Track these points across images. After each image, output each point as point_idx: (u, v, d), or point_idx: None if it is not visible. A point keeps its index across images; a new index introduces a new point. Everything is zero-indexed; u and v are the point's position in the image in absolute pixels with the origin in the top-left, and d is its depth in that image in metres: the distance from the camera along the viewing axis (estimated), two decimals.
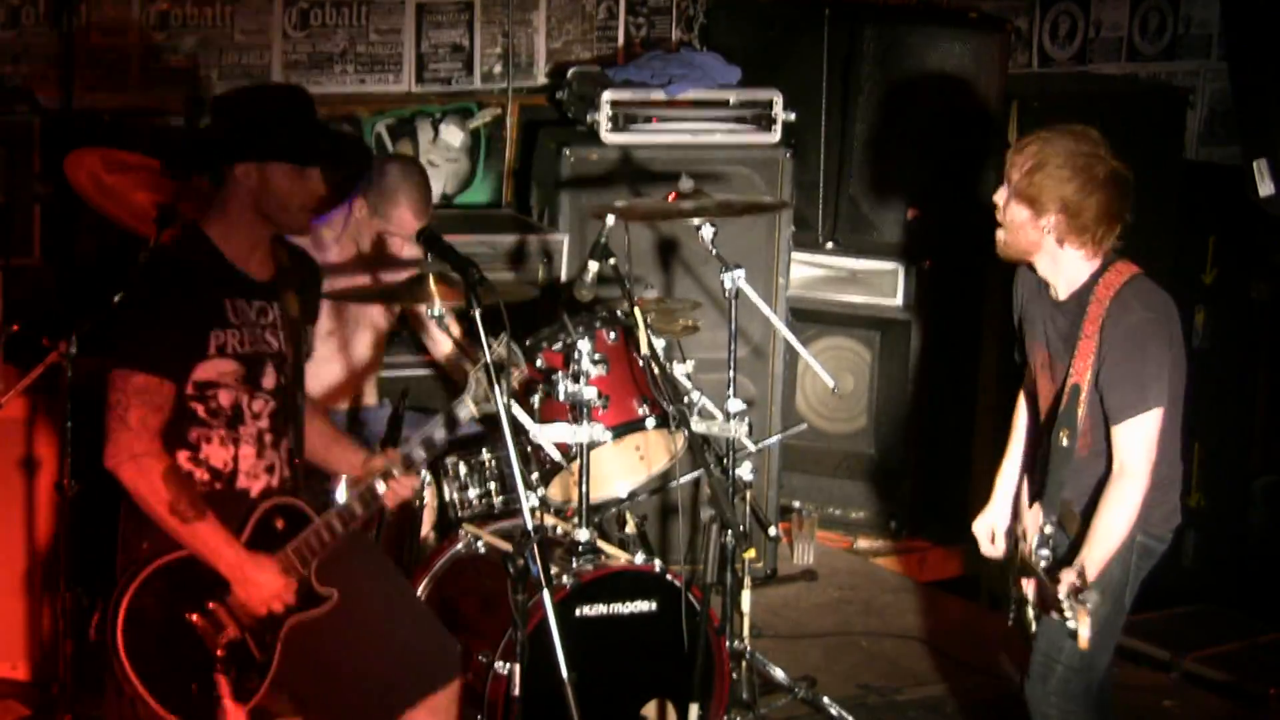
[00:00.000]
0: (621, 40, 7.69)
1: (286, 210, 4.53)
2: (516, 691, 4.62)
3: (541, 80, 7.54)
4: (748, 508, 5.99)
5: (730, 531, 5.41)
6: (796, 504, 7.55)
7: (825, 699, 5.97)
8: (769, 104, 6.95)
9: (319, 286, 4.79)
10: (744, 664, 5.85)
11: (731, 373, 5.66)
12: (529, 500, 4.91)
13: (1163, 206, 5.93)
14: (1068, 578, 4.57)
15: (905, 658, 6.37)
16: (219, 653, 4.47)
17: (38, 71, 6.63)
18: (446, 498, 5.78)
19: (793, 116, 6.98)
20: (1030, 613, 4.92)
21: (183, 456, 4.51)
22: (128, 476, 4.41)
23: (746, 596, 5.92)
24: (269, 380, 4.59)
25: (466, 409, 4.68)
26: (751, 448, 5.76)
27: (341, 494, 4.69)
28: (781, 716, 5.98)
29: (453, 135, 7.37)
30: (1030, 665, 5.01)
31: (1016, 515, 5.03)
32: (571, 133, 7.02)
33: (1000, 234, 4.89)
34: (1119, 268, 4.82)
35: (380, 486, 4.64)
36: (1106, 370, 4.76)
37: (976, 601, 7.22)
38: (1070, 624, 4.50)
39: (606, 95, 6.85)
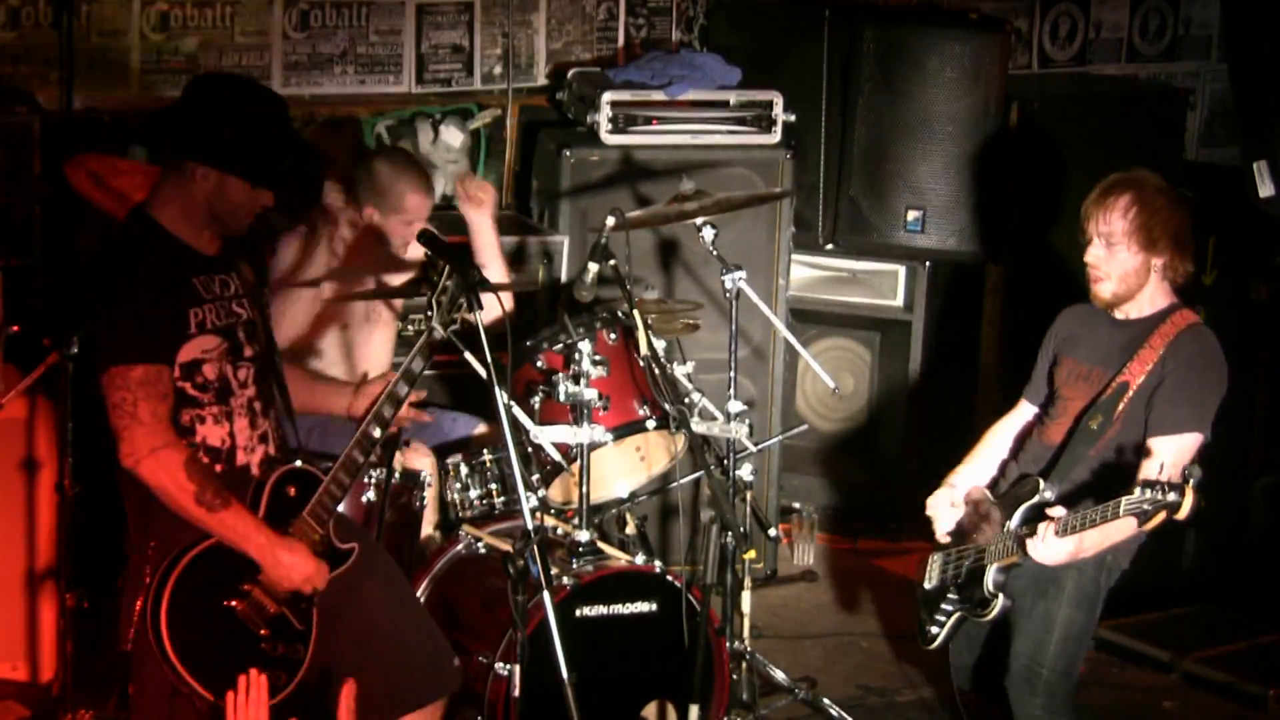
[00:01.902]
0: (621, 41, 7.69)
1: (234, 217, 4.58)
2: (516, 692, 4.62)
3: (542, 81, 7.55)
4: (748, 508, 5.99)
5: (730, 532, 5.41)
6: (796, 505, 7.55)
7: (825, 700, 5.97)
8: (769, 105, 6.95)
9: (262, 248, 4.83)
10: (744, 665, 5.85)
11: (732, 373, 5.66)
12: (529, 501, 4.91)
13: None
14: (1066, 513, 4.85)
15: (905, 659, 6.37)
16: (263, 631, 4.49)
17: (38, 73, 6.63)
18: (447, 498, 5.78)
19: (793, 117, 6.98)
20: (989, 588, 5.12)
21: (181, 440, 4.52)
22: (149, 472, 4.40)
23: (747, 597, 5.92)
24: (248, 349, 4.63)
25: (436, 333, 4.69)
26: (752, 448, 5.76)
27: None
28: (781, 717, 5.98)
29: (453, 136, 7.37)
30: (1011, 664, 5.17)
31: (969, 515, 5.28)
32: (571, 134, 7.01)
33: (1104, 285, 5.11)
34: (1184, 310, 5.14)
35: (375, 431, 4.65)
36: (1168, 384, 5.04)
37: None
38: (1171, 496, 4.58)
39: (607, 96, 6.85)
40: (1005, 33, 7.53)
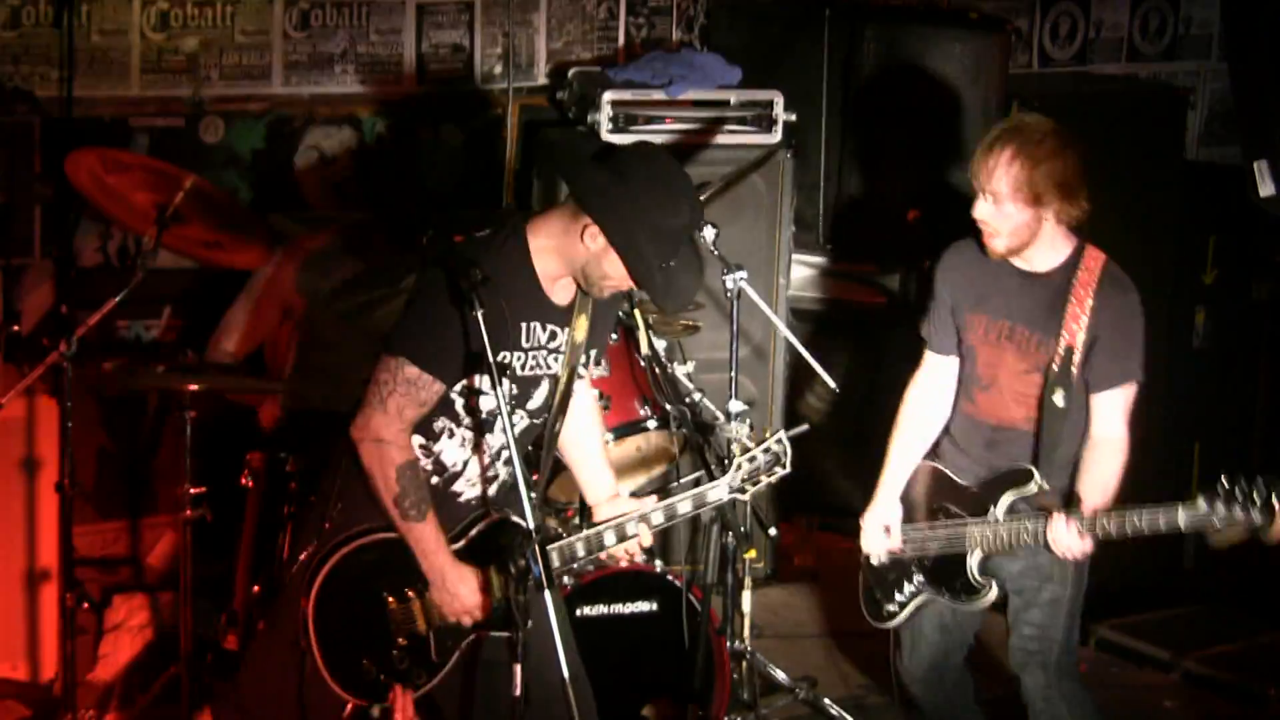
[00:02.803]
0: (622, 41, 7.69)
1: (600, 284, 4.49)
2: (517, 691, 4.61)
3: (542, 80, 7.55)
4: (748, 508, 6.00)
5: (731, 532, 5.41)
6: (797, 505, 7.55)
7: (826, 699, 5.97)
8: (769, 104, 6.95)
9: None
10: (744, 664, 5.86)
11: (733, 373, 5.66)
12: (533, 500, 4.90)
13: (1163, 207, 5.92)
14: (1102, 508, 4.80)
15: None
16: (400, 640, 4.50)
17: (38, 72, 6.63)
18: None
19: (793, 117, 6.98)
20: (974, 574, 5.05)
21: (417, 440, 4.51)
22: (366, 454, 4.42)
23: (747, 597, 5.92)
24: (535, 402, 4.59)
25: (719, 493, 4.69)
26: (753, 449, 5.75)
27: None
28: (782, 717, 5.99)
29: (453, 136, 7.37)
30: (1019, 651, 5.15)
31: (921, 496, 5.21)
32: (572, 133, 7.01)
33: (998, 240, 4.96)
34: (1092, 249, 5.00)
35: (610, 538, 4.66)
36: (1104, 338, 4.93)
37: None
38: (1258, 519, 4.54)
39: (607, 96, 6.85)
40: (1006, 32, 7.53)
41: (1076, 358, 4.96)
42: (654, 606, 5.44)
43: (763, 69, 7.24)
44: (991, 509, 5.04)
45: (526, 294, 4.49)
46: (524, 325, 4.50)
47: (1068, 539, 4.86)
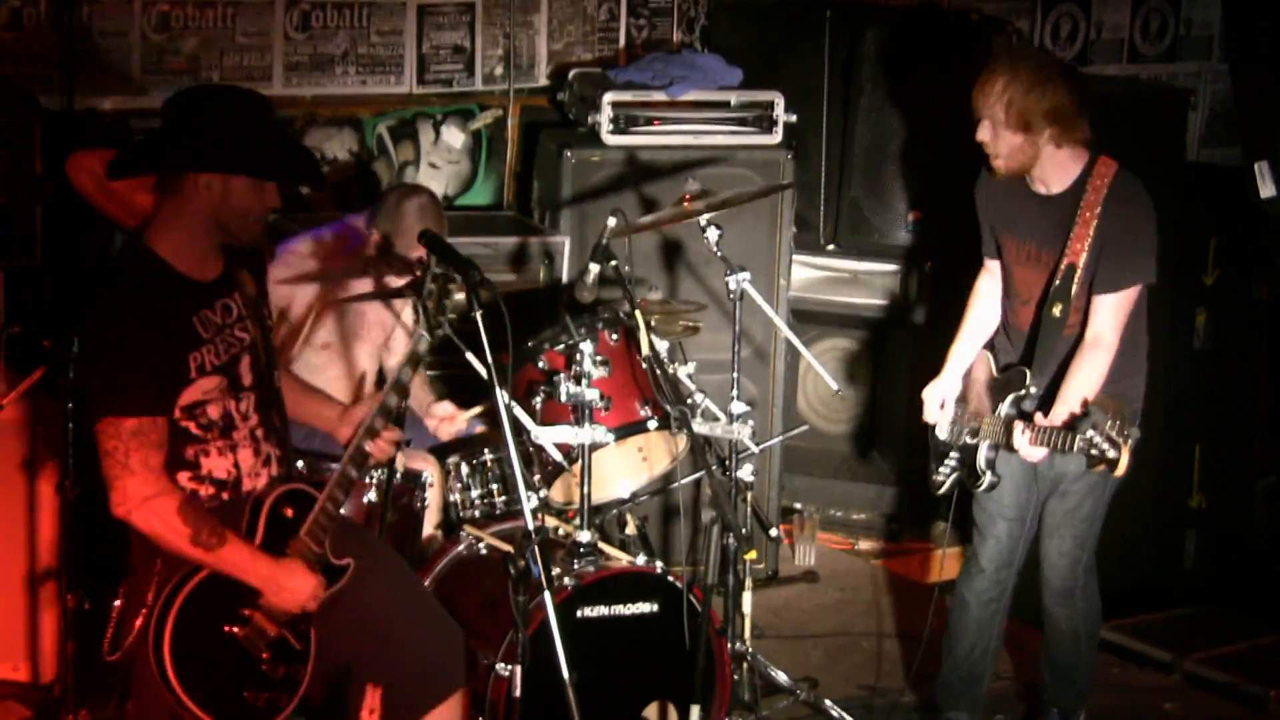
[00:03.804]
0: (623, 42, 7.69)
1: (244, 221, 4.50)
2: (518, 693, 4.62)
3: (543, 81, 7.55)
4: (749, 509, 5.99)
5: (732, 533, 5.40)
6: (798, 505, 7.55)
7: (826, 700, 5.97)
8: (770, 105, 6.95)
9: (260, 250, 4.69)
10: (745, 665, 5.86)
11: (735, 374, 5.66)
12: (530, 501, 4.90)
13: (1163, 208, 5.89)
14: (1046, 422, 5.23)
15: (906, 659, 6.37)
16: (264, 655, 4.49)
17: (39, 73, 6.63)
18: (449, 498, 5.78)
19: (794, 118, 6.98)
20: (981, 464, 5.52)
21: (184, 476, 4.49)
22: (143, 520, 4.38)
23: (748, 598, 5.92)
24: (247, 376, 4.59)
25: (424, 340, 4.68)
26: (753, 449, 5.76)
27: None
28: (783, 718, 5.98)
29: (454, 137, 7.37)
30: (1056, 559, 5.60)
31: (968, 385, 5.64)
32: (573, 134, 7.01)
33: (999, 162, 5.37)
34: (1104, 160, 5.38)
35: (367, 445, 4.64)
36: (1106, 249, 5.30)
37: None
38: (1111, 453, 5.03)
39: (608, 97, 6.84)
40: (1006, 33, 7.53)
41: (1078, 275, 5.32)
42: (655, 608, 5.43)
43: (763, 70, 7.24)
44: (1000, 405, 5.46)
45: (182, 293, 4.46)
46: (195, 320, 4.47)
47: (1023, 447, 5.31)
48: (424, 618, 4.79)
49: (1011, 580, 5.71)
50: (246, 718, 4.48)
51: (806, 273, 7.46)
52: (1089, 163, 5.37)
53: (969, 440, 5.57)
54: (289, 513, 4.55)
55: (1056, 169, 5.37)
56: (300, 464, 5.05)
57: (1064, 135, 5.30)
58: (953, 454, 5.64)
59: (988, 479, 5.53)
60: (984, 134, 5.35)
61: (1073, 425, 5.18)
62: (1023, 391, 5.43)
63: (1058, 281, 5.36)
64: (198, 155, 4.41)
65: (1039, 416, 5.30)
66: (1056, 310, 5.37)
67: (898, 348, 7.52)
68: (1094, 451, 5.07)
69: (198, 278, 4.51)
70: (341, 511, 4.62)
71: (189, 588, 4.43)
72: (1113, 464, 5.06)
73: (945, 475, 5.67)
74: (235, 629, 4.47)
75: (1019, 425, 5.33)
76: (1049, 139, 5.30)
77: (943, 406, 5.67)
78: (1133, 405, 5.48)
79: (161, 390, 4.40)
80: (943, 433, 5.69)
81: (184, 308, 4.46)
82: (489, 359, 4.60)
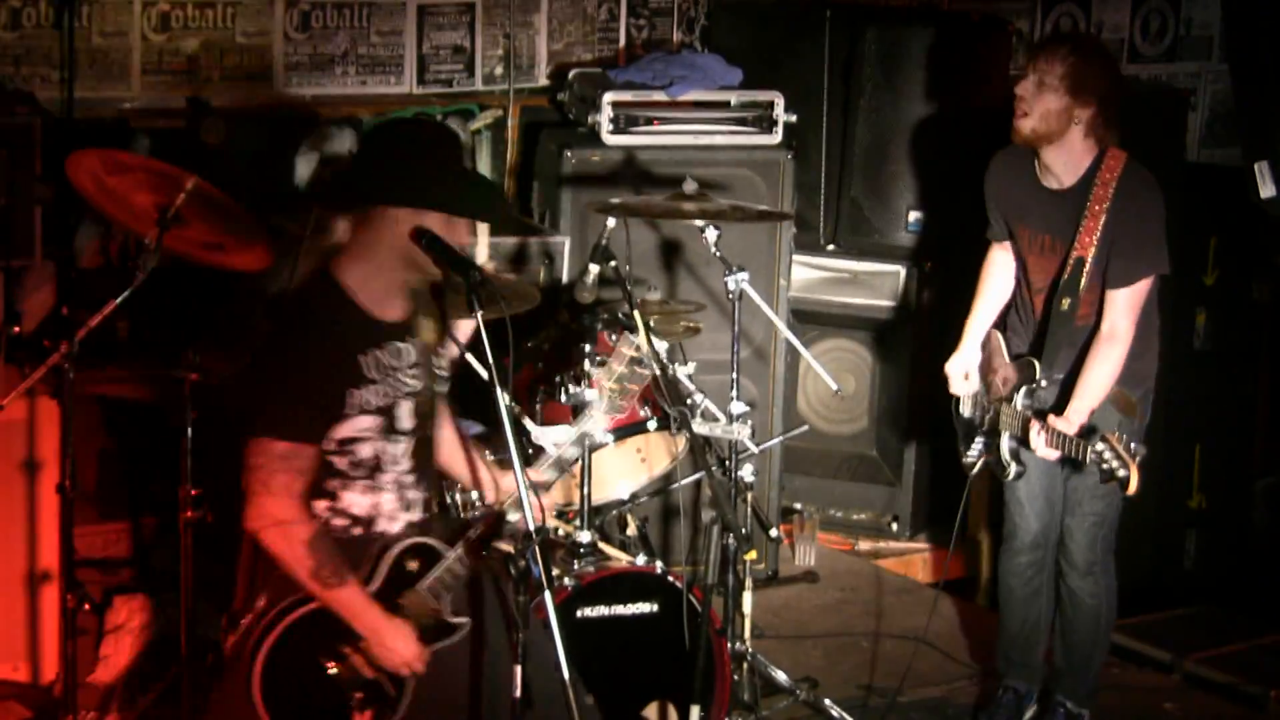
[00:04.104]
0: (623, 42, 7.69)
1: (428, 266, 4.44)
2: (517, 693, 4.61)
3: (543, 82, 7.55)
4: (749, 509, 5.99)
5: (732, 533, 5.40)
6: (798, 505, 7.55)
7: (826, 700, 5.97)
8: (770, 105, 6.95)
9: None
10: (745, 665, 5.85)
11: (734, 374, 5.66)
12: (532, 502, 4.90)
13: (1166, 209, 5.91)
14: (1063, 425, 5.29)
15: (906, 659, 6.37)
16: (357, 695, 4.46)
17: (39, 73, 6.63)
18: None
19: (794, 118, 6.98)
20: (1006, 455, 5.57)
21: (321, 505, 4.47)
22: (271, 541, 4.37)
23: (748, 598, 5.92)
24: (406, 421, 4.55)
25: (600, 423, 4.68)
26: (753, 449, 5.76)
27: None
28: (783, 718, 5.98)
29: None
30: (1080, 537, 5.66)
31: (986, 361, 5.69)
32: (573, 134, 7.02)
33: (1025, 121, 5.40)
34: (1114, 152, 5.44)
35: (513, 515, 4.62)
36: (1117, 243, 5.36)
37: (976, 602, 7.23)
38: (1121, 472, 5.11)
39: (608, 97, 6.84)
40: (1006, 33, 7.54)
41: (1087, 268, 5.39)
42: (654, 608, 5.43)
43: (763, 70, 7.24)
44: (1015, 397, 5.51)
45: (357, 329, 4.45)
46: (362, 359, 4.45)
47: (1039, 447, 5.37)
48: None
49: (1051, 555, 5.80)
50: None
51: (806, 273, 7.46)
52: (1099, 155, 5.43)
53: (990, 422, 5.64)
54: (413, 566, 4.51)
55: (1072, 160, 5.43)
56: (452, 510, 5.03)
57: (1096, 122, 5.39)
58: (979, 436, 5.70)
59: (1014, 469, 5.59)
60: (1024, 88, 5.41)
61: (1086, 434, 5.26)
62: (1034, 385, 5.49)
63: (1066, 275, 5.42)
64: (390, 190, 4.39)
65: (1053, 418, 5.35)
66: (1065, 304, 5.43)
67: (898, 348, 7.52)
68: (1104, 467, 5.15)
69: (377, 315, 4.48)
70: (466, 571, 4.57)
71: (300, 612, 4.41)
72: (1124, 483, 5.12)
73: (975, 456, 5.73)
74: (331, 664, 4.44)
75: (1035, 425, 5.38)
76: (1083, 121, 5.37)
77: (967, 378, 5.74)
78: (1145, 384, 5.58)
79: (317, 421, 4.39)
80: (966, 409, 5.77)
81: (356, 344, 4.45)
82: (489, 359, 4.60)
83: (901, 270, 7.42)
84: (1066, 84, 5.34)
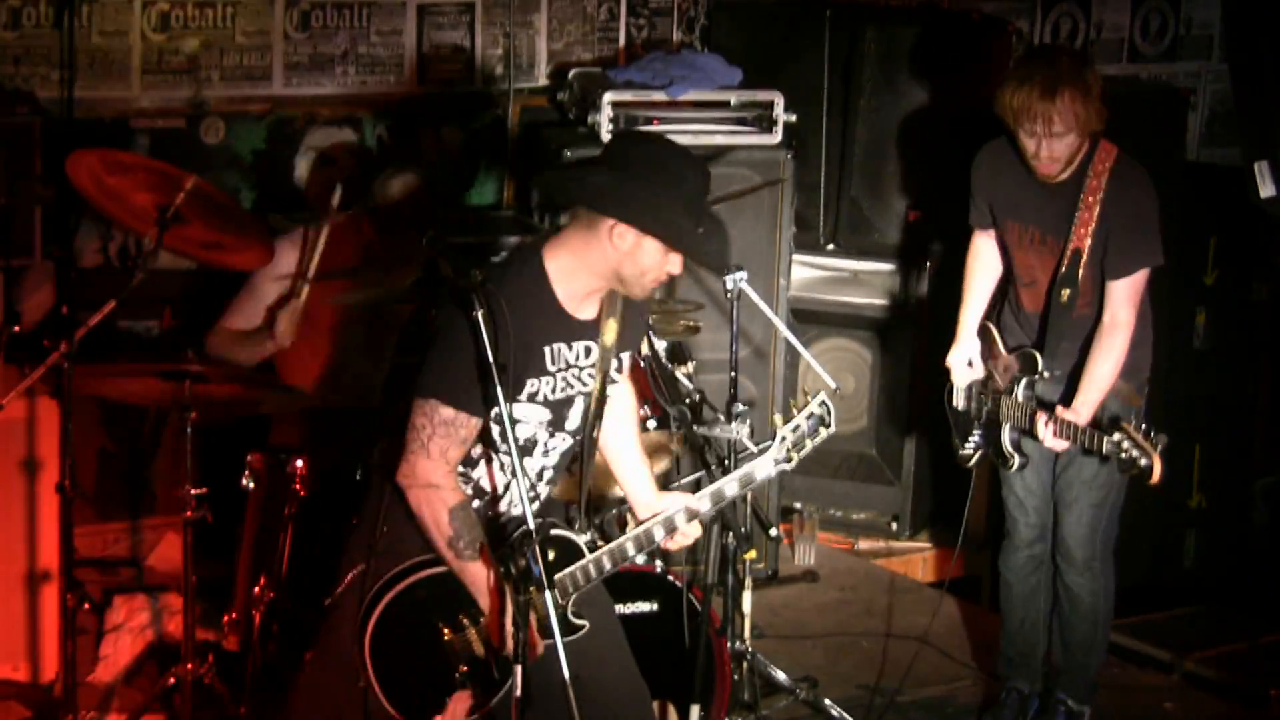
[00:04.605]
0: (623, 41, 7.69)
1: (641, 279, 4.43)
2: (518, 692, 4.61)
3: (543, 81, 7.55)
4: (749, 509, 5.99)
5: (731, 532, 5.41)
6: (798, 505, 7.55)
7: (826, 700, 5.97)
8: (770, 105, 6.95)
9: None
10: (745, 665, 5.86)
11: (733, 374, 5.66)
12: (530, 502, 4.90)
13: (1163, 207, 5.90)
14: (1071, 417, 5.34)
15: (906, 658, 6.37)
16: (461, 667, 4.47)
17: (38, 73, 6.63)
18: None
19: (794, 118, 6.98)
20: (1007, 446, 5.62)
21: (457, 465, 4.46)
22: (415, 500, 4.39)
23: (747, 597, 5.93)
24: (574, 421, 4.56)
25: (766, 470, 4.69)
26: (753, 449, 5.75)
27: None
28: (783, 717, 5.98)
29: (454, 136, 7.37)
30: (1071, 544, 5.67)
31: (985, 351, 5.73)
32: (573, 134, 7.01)
33: (1052, 166, 5.42)
34: (1105, 145, 5.48)
35: (659, 533, 4.64)
36: (1113, 236, 5.40)
37: (976, 602, 7.22)
38: (1143, 461, 5.17)
39: (608, 96, 6.84)
40: (1006, 33, 7.53)
41: (1084, 259, 5.42)
42: (654, 607, 5.43)
43: (763, 70, 7.24)
44: (1015, 388, 5.56)
45: (549, 318, 4.44)
46: (548, 349, 4.45)
47: (1047, 439, 5.41)
48: (627, 692, 4.71)
49: (1048, 553, 5.82)
50: (413, 713, 4.46)
51: (806, 273, 7.47)
52: (1090, 149, 5.46)
53: (989, 414, 5.67)
54: (551, 555, 4.50)
55: (1071, 159, 5.47)
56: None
57: (1096, 130, 5.46)
58: (976, 429, 5.73)
59: (1017, 460, 5.63)
60: (1043, 147, 5.38)
61: (1099, 425, 5.30)
62: (1036, 376, 5.52)
63: (1064, 268, 5.46)
64: (624, 206, 4.35)
65: (1061, 410, 5.40)
66: (1065, 295, 5.47)
67: (898, 348, 7.52)
68: (1124, 457, 5.19)
69: (570, 310, 4.47)
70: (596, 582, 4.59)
71: (423, 574, 4.44)
72: (1147, 472, 5.16)
73: (973, 449, 5.76)
74: (447, 631, 4.47)
75: (1041, 417, 5.43)
76: (1089, 138, 5.46)
77: (971, 365, 5.76)
78: (1140, 375, 5.61)
79: (489, 397, 4.36)
80: (960, 402, 5.78)
81: (545, 333, 4.44)
82: (489, 359, 4.60)
83: (901, 270, 7.42)
84: (1075, 127, 5.37)
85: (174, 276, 6.65)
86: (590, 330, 4.51)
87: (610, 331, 4.54)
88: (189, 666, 5.53)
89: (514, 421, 4.38)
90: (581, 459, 4.62)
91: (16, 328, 6.23)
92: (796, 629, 6.77)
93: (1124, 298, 5.44)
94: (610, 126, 6.81)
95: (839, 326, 7.59)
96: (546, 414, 4.50)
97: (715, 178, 6.61)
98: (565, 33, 7.58)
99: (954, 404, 5.83)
